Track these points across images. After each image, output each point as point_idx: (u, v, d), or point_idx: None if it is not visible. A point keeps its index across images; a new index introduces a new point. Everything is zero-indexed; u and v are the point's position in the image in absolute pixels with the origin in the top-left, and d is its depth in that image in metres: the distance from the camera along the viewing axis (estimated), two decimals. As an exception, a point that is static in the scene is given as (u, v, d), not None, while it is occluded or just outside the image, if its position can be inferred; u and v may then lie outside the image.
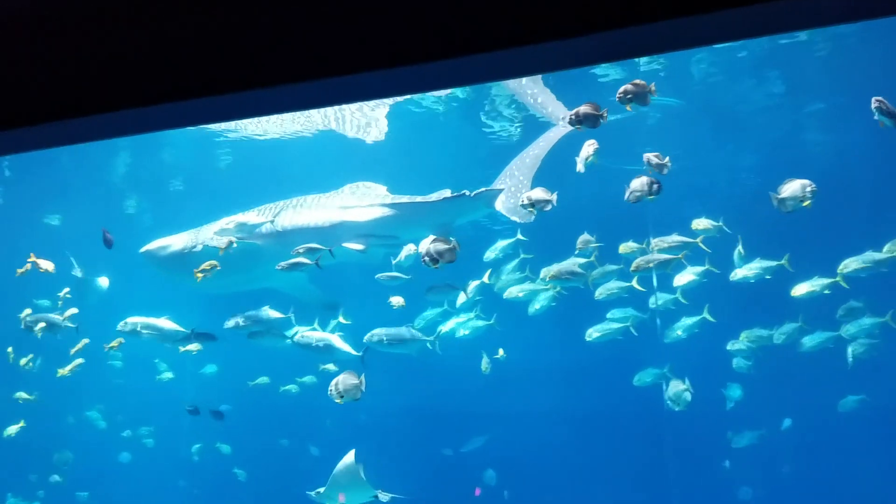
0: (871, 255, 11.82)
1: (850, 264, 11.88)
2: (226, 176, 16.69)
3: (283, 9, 1.75)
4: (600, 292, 12.80)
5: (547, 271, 12.07)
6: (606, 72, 13.31)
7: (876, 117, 8.50)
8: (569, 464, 19.61)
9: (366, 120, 14.03)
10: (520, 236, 13.69)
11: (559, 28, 1.60)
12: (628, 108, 8.93)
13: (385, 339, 11.80)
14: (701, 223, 11.67)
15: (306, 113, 13.21)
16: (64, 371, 12.83)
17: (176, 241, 12.65)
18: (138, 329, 11.74)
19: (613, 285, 12.72)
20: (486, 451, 19.92)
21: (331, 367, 14.39)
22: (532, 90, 13.07)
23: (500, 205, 12.25)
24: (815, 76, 14.26)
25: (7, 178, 17.05)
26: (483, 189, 12.16)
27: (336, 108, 12.60)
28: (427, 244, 8.72)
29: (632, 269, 11.49)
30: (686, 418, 18.46)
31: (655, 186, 8.88)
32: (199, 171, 16.68)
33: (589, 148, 9.14)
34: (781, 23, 1.65)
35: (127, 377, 18.84)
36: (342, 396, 8.39)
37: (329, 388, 8.60)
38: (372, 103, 13.02)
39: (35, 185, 16.92)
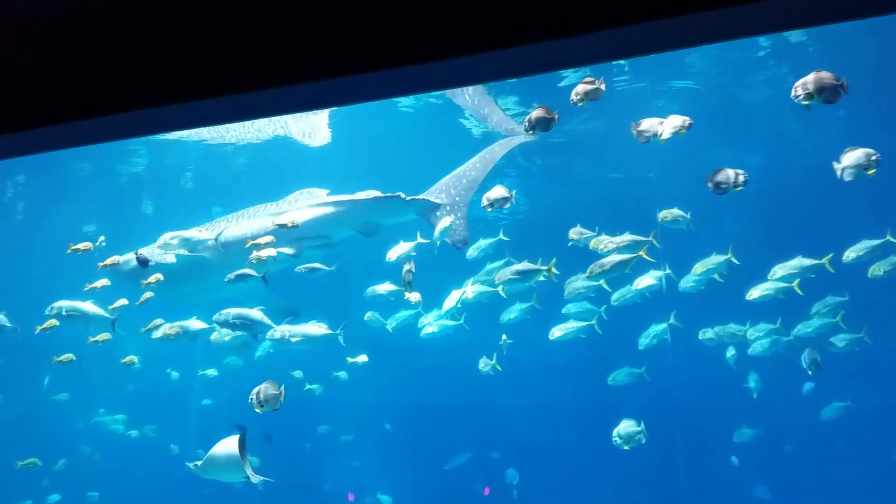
0: (799, 262, 11.73)
1: (777, 271, 11.80)
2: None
3: (286, 11, 1.75)
4: (569, 291, 12.78)
5: (498, 274, 12.08)
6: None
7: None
8: (572, 461, 19.63)
9: (310, 126, 14.17)
10: (502, 236, 13.76)
11: (562, 26, 1.59)
12: (583, 105, 9.07)
13: (288, 334, 11.75)
14: (670, 213, 11.43)
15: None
16: (98, 338, 12.53)
17: (133, 256, 12.97)
18: (63, 313, 11.49)
19: (580, 283, 12.65)
20: (506, 450, 20.04)
21: (361, 358, 14.59)
22: (477, 102, 13.02)
23: (435, 221, 12.23)
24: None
25: (21, 184, 17.49)
26: (420, 196, 12.18)
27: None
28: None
29: (587, 275, 11.44)
30: (692, 415, 18.40)
31: (742, 178, 8.51)
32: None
33: (685, 121, 8.86)
34: (785, 20, 1.63)
35: (141, 381, 19.27)
36: (262, 405, 8.63)
37: (250, 396, 8.82)
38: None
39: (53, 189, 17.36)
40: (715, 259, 12.19)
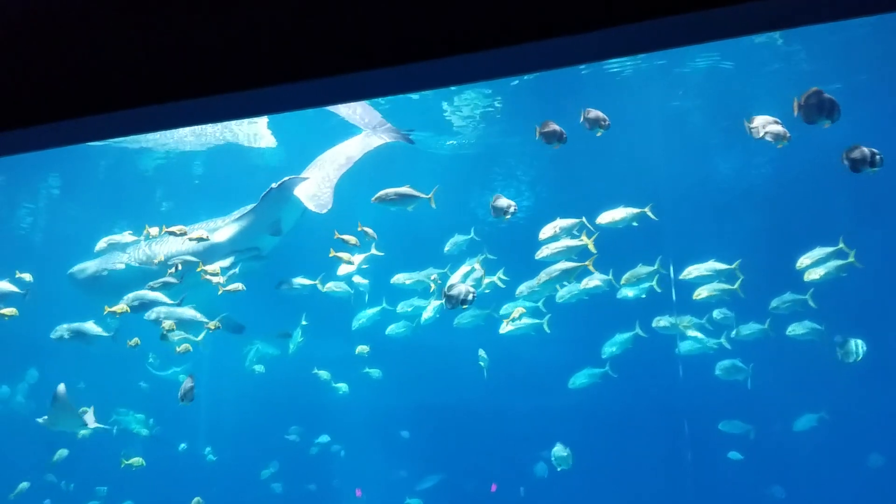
0: (712, 265, 11.83)
1: (692, 271, 11.90)
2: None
3: (288, 10, 1.78)
4: (521, 290, 12.97)
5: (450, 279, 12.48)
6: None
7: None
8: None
9: (252, 131, 14.61)
10: (473, 236, 14.09)
11: (567, 24, 1.60)
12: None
13: (163, 315, 11.57)
14: (609, 216, 11.13)
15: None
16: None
17: (90, 266, 13.56)
18: None
19: (534, 282, 12.79)
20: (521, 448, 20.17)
21: (364, 349, 15.13)
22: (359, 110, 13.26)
23: (301, 191, 12.50)
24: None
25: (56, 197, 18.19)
26: (287, 178, 12.43)
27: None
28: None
29: (536, 282, 11.70)
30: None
31: (878, 157, 8.10)
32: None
33: (786, 134, 8.89)
34: (791, 19, 1.64)
35: (154, 381, 19.84)
36: (182, 399, 9.24)
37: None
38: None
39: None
40: (642, 270, 12.32)
